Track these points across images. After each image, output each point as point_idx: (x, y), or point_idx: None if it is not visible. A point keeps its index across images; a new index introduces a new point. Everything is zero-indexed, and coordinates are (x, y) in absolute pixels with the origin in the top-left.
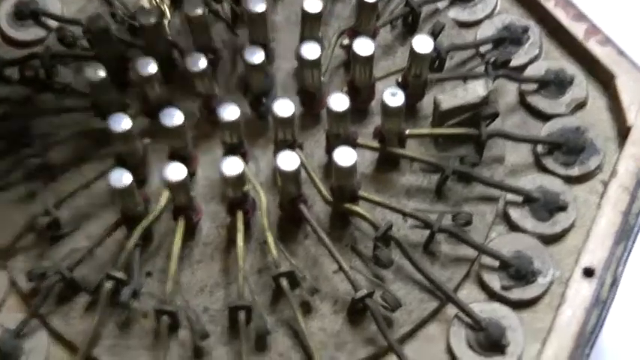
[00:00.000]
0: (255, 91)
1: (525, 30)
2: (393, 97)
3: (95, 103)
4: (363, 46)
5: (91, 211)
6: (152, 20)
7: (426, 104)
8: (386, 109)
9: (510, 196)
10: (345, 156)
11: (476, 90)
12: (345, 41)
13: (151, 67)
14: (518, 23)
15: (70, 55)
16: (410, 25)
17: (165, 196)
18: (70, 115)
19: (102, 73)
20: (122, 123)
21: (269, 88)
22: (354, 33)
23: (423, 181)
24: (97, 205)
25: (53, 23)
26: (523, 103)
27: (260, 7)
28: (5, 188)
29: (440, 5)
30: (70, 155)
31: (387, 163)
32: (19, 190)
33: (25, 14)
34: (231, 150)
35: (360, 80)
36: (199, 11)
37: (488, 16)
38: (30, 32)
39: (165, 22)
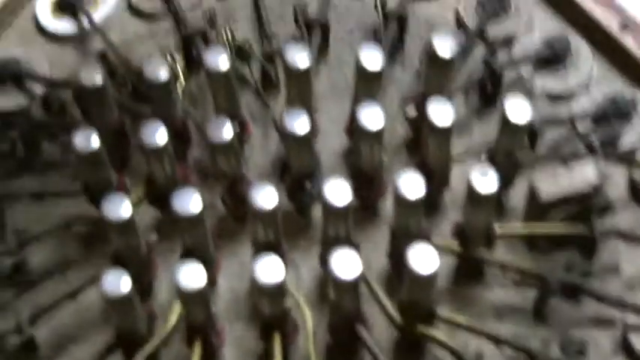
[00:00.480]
0: (296, 174)
1: (634, 103)
2: (484, 178)
3: (87, 184)
4: (441, 113)
5: (77, 331)
6: (162, 76)
7: (515, 193)
8: (474, 197)
9: (632, 318)
10: (422, 259)
11: (585, 175)
12: (411, 112)
13: (160, 136)
14: (623, 95)
15: (57, 125)
16: (489, 94)
17: (176, 311)
18: (54, 201)
19: (96, 143)
20: (121, 209)
21: (312, 170)
22: (422, 100)
23: (516, 296)
24: (85, 321)
25: (39, 89)
26: (636, 194)
27: (302, 62)
28: None
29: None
30: (52, 255)
31: (469, 272)
32: None
33: (4, 77)
34: (264, 252)
35: (433, 159)
36: (224, 67)
37: (584, 85)
38: (9, 99)
39: (179, 89)
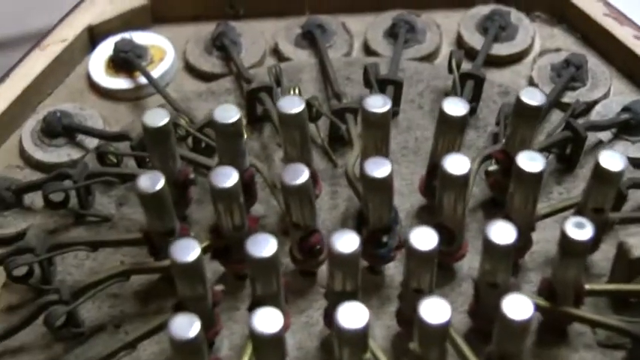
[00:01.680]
0: (373, 227)
1: None
2: (580, 230)
3: (147, 233)
4: (531, 162)
5: None
6: (233, 117)
7: (599, 253)
8: (568, 249)
9: None
10: (516, 307)
11: None
12: (492, 166)
13: (232, 180)
14: None
15: (113, 175)
16: (568, 156)
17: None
18: (110, 252)
19: (161, 184)
20: (191, 252)
21: (391, 223)
22: (504, 157)
23: (604, 359)
24: None
25: (92, 142)
26: None
27: (382, 106)
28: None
29: (603, 136)
30: (105, 307)
31: (553, 331)
32: (34, 352)
33: (55, 131)
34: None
35: (518, 214)
36: (298, 110)
37: None
38: (61, 153)
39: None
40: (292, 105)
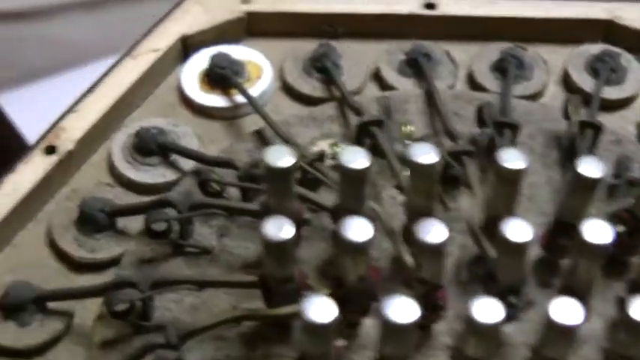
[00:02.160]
0: (504, 284)
1: None
2: None
3: (264, 277)
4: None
5: None
6: (364, 163)
7: None
8: None
9: None
10: None
11: None
12: (618, 227)
13: (366, 235)
14: None
15: (220, 208)
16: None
17: None
18: (214, 292)
19: (289, 233)
20: (326, 314)
21: (520, 282)
22: (630, 217)
23: None
24: None
25: (187, 163)
26: None
27: (518, 163)
28: None
29: None
30: (210, 351)
31: None
32: None
33: (149, 149)
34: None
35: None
36: (432, 161)
37: None
38: (155, 174)
39: None
40: (427, 154)
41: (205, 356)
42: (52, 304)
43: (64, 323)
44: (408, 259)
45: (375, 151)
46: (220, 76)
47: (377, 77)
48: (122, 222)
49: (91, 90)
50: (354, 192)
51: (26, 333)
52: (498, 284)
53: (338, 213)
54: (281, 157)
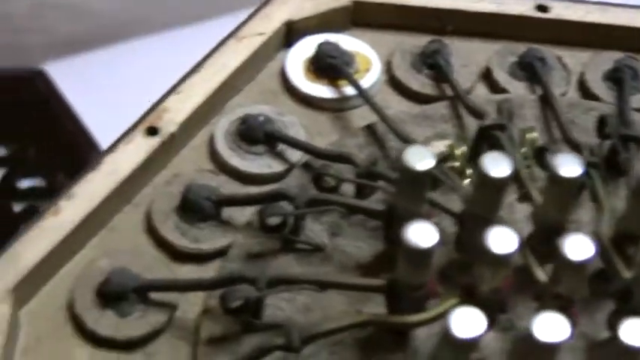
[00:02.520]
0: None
1: None
2: None
3: (392, 283)
4: None
5: None
6: (506, 170)
7: None
8: None
9: None
10: None
11: None
12: None
13: (511, 245)
14: None
15: (340, 205)
16: None
17: None
18: (329, 294)
19: (434, 238)
20: (474, 329)
21: None
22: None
23: None
24: None
25: (294, 155)
26: None
27: None
28: None
29: None
30: (325, 355)
31: None
32: None
33: (256, 137)
34: None
35: None
36: (578, 170)
37: None
38: (261, 163)
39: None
40: (571, 167)
41: (319, 358)
42: (154, 295)
43: (166, 315)
44: (541, 275)
45: None
46: (329, 66)
47: (487, 78)
48: (227, 212)
49: (194, 70)
50: (489, 200)
51: (126, 323)
52: (634, 303)
53: (466, 219)
54: (421, 159)
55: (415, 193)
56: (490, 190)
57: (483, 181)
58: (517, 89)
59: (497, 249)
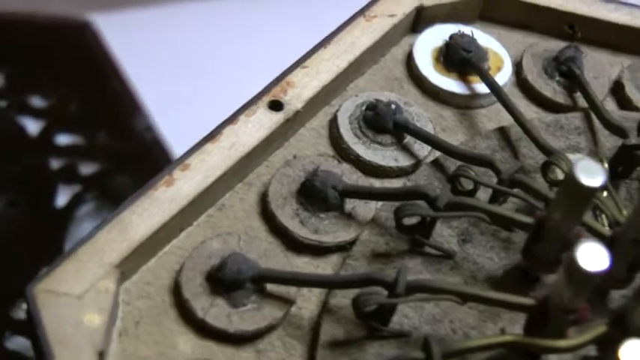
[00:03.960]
0: None
1: None
2: None
3: (545, 304)
4: None
5: None
6: None
7: None
8: None
9: None
10: None
11: None
12: None
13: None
14: None
15: (486, 212)
16: None
17: None
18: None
19: (605, 262)
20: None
21: None
22: None
23: None
24: None
25: (421, 150)
26: None
27: None
28: None
29: None
30: None
31: None
32: None
33: (384, 126)
34: None
35: None
36: None
37: None
38: (386, 155)
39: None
40: None
41: None
42: (269, 287)
43: (282, 311)
44: None
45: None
46: (463, 60)
47: (616, 93)
48: (349, 204)
49: (322, 45)
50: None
51: (239, 315)
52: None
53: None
54: (593, 174)
55: (575, 209)
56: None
57: None
58: None
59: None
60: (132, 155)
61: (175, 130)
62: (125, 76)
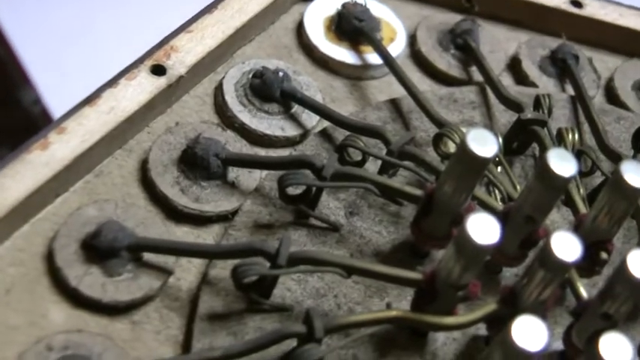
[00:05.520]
0: None
1: None
2: None
3: (432, 279)
4: None
5: None
6: (572, 169)
7: None
8: None
9: None
10: None
11: None
12: None
13: (575, 254)
14: None
15: (374, 184)
16: None
17: None
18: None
19: (496, 235)
20: (533, 335)
21: None
22: None
23: None
24: None
25: (309, 120)
26: None
27: None
28: None
29: None
30: (337, 350)
31: None
32: None
33: (271, 94)
34: None
35: None
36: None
37: None
38: (272, 124)
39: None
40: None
41: (332, 354)
42: (147, 256)
43: (160, 281)
44: (583, 292)
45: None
46: (355, 29)
47: (513, 69)
48: (233, 174)
49: (208, 10)
50: (549, 201)
51: (114, 284)
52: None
53: (513, 217)
54: (485, 144)
55: (466, 181)
56: (554, 190)
57: (548, 180)
58: (547, 85)
59: (561, 255)
60: (17, 129)
61: (64, 104)
62: (12, 44)
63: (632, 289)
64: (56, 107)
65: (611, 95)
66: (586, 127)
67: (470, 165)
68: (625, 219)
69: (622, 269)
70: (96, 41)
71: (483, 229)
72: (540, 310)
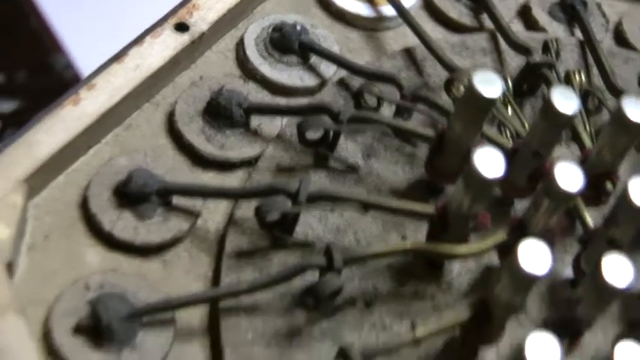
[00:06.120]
0: None
1: None
2: None
3: (444, 209)
4: None
5: None
6: (574, 107)
7: None
8: None
9: None
10: None
11: None
12: None
13: (577, 184)
14: None
15: (389, 126)
16: None
17: None
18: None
19: (502, 168)
20: (538, 260)
21: None
22: None
23: None
24: None
25: (327, 70)
26: None
27: None
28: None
29: None
30: (356, 281)
31: None
32: (271, 315)
33: (290, 46)
34: None
35: None
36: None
37: None
38: (292, 75)
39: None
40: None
41: (352, 285)
42: (176, 200)
43: (188, 223)
44: (589, 220)
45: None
46: None
47: (524, 15)
48: (255, 122)
49: None
50: (554, 137)
51: (145, 227)
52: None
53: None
54: (491, 85)
55: (474, 120)
56: (558, 128)
57: (553, 117)
58: (556, 30)
59: (564, 185)
60: (52, 93)
61: (93, 67)
62: (44, 13)
63: (634, 214)
64: (86, 71)
65: (620, 38)
66: (595, 70)
67: (476, 105)
68: (627, 151)
69: (624, 196)
70: (124, 4)
71: (489, 161)
72: (548, 237)
